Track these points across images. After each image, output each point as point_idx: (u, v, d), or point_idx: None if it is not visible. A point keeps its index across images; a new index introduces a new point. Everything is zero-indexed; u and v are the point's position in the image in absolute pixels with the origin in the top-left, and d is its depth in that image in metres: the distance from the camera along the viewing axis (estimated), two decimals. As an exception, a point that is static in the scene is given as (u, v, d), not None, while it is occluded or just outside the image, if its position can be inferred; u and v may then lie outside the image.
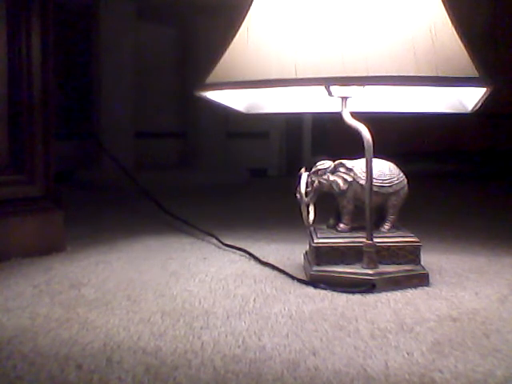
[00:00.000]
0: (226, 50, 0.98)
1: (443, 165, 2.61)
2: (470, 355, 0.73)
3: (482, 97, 0.94)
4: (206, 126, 2.86)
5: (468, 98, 1.04)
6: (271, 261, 1.18)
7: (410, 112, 1.12)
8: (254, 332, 0.80)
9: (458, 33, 0.89)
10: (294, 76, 0.90)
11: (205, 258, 1.23)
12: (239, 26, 0.98)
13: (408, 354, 0.74)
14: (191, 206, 1.90)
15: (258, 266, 1.16)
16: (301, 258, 1.18)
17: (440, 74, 0.85)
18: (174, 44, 2.94)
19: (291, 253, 1.27)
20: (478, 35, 2.38)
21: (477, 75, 0.88)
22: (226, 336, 0.79)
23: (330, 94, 0.99)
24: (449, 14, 0.91)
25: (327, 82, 0.95)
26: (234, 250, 1.29)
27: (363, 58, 0.88)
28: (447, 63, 0.86)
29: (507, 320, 0.85)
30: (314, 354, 0.73)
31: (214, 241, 1.38)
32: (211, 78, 0.98)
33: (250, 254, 1.23)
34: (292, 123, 3.16)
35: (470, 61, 0.89)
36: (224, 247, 1.32)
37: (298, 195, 1.07)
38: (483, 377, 0.67)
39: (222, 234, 1.40)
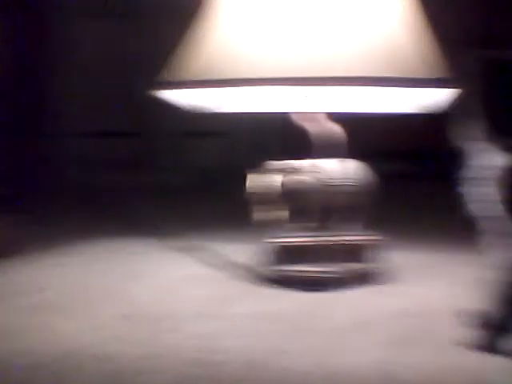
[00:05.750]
0: (186, 48, 0.98)
1: (410, 164, 2.67)
2: (427, 349, 0.75)
3: (448, 97, 0.97)
4: (161, 126, 2.83)
5: (432, 99, 1.06)
6: (226, 261, 1.19)
7: (376, 112, 1.14)
8: (218, 334, 0.81)
9: (420, 37, 0.92)
10: (258, 75, 0.91)
11: (162, 260, 1.22)
12: (201, 25, 0.97)
13: (368, 350, 0.75)
14: (147, 208, 1.87)
15: (214, 267, 1.16)
16: (258, 258, 1.18)
17: (405, 76, 0.87)
18: (130, 42, 2.90)
19: (248, 253, 1.27)
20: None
21: (443, 77, 0.91)
22: (189, 339, 0.79)
23: (291, 94, 1.00)
24: (411, 20, 0.94)
25: (290, 82, 0.95)
26: (192, 252, 1.28)
27: (328, 60, 0.89)
28: (410, 65, 0.89)
29: (456, 313, 0.88)
30: (278, 355, 0.74)
31: (172, 242, 1.37)
32: (172, 76, 0.98)
33: (204, 255, 1.23)
34: (249, 122, 3.16)
35: (433, 63, 0.92)
36: (182, 249, 1.31)
37: (251, 195, 1.08)
38: (441, 370, 0.69)
39: (179, 236, 1.39)
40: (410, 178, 2.54)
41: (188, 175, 2.73)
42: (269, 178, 1.07)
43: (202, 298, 0.96)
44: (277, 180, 1.07)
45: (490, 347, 0.74)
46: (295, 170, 1.07)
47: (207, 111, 1.16)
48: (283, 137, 3.06)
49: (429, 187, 2.02)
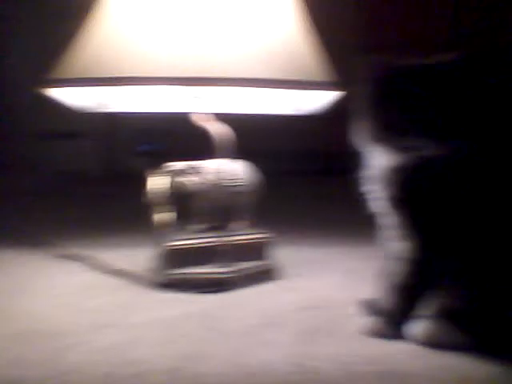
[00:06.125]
0: (72, 44, 0.91)
1: (296, 164, 2.75)
2: (336, 341, 0.78)
3: (331, 99, 1.01)
4: (13, 127, 2.62)
5: (313, 102, 1.10)
6: (118, 268, 1.13)
7: (261, 113, 1.15)
8: (124, 345, 0.76)
9: (309, 40, 0.95)
10: (148, 74, 0.88)
11: (50, 271, 1.13)
12: (89, 23, 0.92)
13: (281, 346, 0.76)
14: (11, 214, 1.72)
15: (107, 275, 1.10)
16: (149, 263, 1.14)
17: (294, 78, 0.89)
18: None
19: (137, 258, 1.22)
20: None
21: (328, 80, 0.95)
22: (94, 353, 0.74)
23: (184, 93, 0.98)
24: (301, 23, 0.96)
25: (180, 81, 0.93)
26: (76, 260, 1.20)
27: (220, 61, 0.89)
28: (300, 68, 0.91)
29: (354, 304, 0.93)
30: (193, 359, 0.72)
31: (51, 251, 1.27)
32: (57, 74, 0.91)
33: (94, 263, 1.16)
34: (108, 123, 3.05)
35: (321, 66, 0.95)
36: (64, 257, 1.22)
37: (148, 198, 1.04)
38: (354, 359, 0.72)
39: (55, 244, 1.30)
40: (304, 176, 2.63)
41: (47, 179, 2.56)
42: (162, 181, 1.04)
43: (101, 307, 0.91)
44: (167, 182, 1.05)
45: (388, 334, 0.79)
46: (184, 172, 1.05)
47: (92, 111, 1.10)
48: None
49: (328, 186, 2.09)
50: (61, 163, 2.86)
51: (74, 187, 2.68)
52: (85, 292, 0.99)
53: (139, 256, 1.22)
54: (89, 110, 1.10)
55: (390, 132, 0.75)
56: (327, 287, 1.03)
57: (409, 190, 0.77)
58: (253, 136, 2.48)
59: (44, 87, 0.93)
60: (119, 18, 0.93)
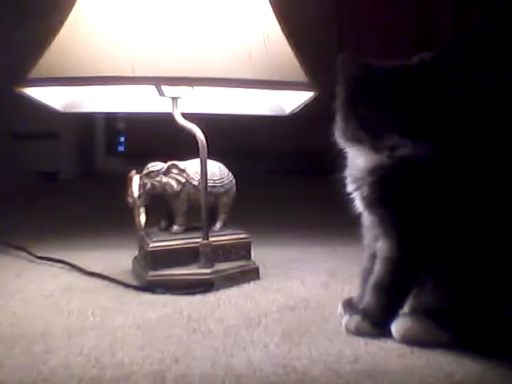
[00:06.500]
0: (49, 44, 0.90)
1: (280, 164, 2.75)
2: (319, 340, 0.78)
3: (306, 100, 1.01)
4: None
5: (288, 102, 1.10)
6: (97, 270, 1.11)
7: (234, 114, 1.15)
8: (105, 348, 0.75)
9: (288, 41, 0.95)
10: (125, 74, 0.86)
11: (19, 275, 1.11)
12: (65, 21, 0.90)
13: (265, 347, 0.76)
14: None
15: (85, 277, 1.09)
16: (128, 264, 1.13)
17: (274, 79, 0.89)
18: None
19: (116, 260, 1.21)
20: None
21: (306, 80, 0.95)
22: (75, 357, 0.73)
23: (161, 93, 0.97)
24: (280, 24, 0.96)
25: (159, 81, 0.93)
26: (52, 263, 1.18)
27: (198, 60, 0.88)
28: (279, 68, 0.91)
29: (336, 303, 0.93)
30: (177, 362, 0.71)
31: (25, 254, 1.24)
32: (33, 74, 0.89)
33: (72, 265, 1.14)
34: (83, 123, 3.01)
35: (300, 67, 0.95)
36: (39, 260, 1.20)
37: (129, 199, 1.03)
38: (336, 358, 0.73)
39: (32, 247, 1.27)
40: (288, 176, 2.62)
41: (22, 180, 2.52)
42: (142, 181, 1.03)
43: (82, 310, 0.89)
44: (148, 183, 1.04)
45: (371, 333, 0.79)
46: (165, 172, 1.05)
47: (68, 111, 1.08)
48: (125, 136, 2.98)
49: (311, 186, 2.09)
50: (36, 163, 2.82)
51: (50, 187, 2.65)
52: (66, 294, 0.97)
53: (120, 257, 1.21)
54: (65, 110, 1.09)
55: (365, 131, 0.75)
56: (309, 287, 1.03)
57: (386, 189, 0.77)
58: (236, 136, 2.48)
59: (20, 87, 0.91)
60: (96, 18, 0.92)
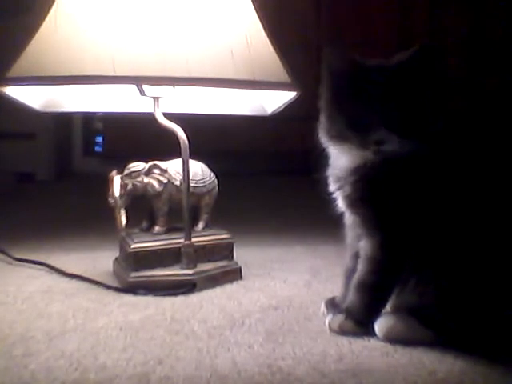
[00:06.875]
0: (28, 42, 0.88)
1: (264, 164, 2.75)
2: (303, 340, 0.78)
3: (288, 100, 1.01)
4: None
5: (270, 102, 1.10)
6: (76, 271, 1.09)
7: (216, 114, 1.14)
8: (87, 351, 0.74)
9: (270, 41, 0.95)
10: (105, 73, 0.85)
11: (5, 276, 1.08)
12: (45, 19, 0.89)
13: (249, 347, 0.76)
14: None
15: (64, 279, 1.07)
16: (108, 266, 1.12)
17: (256, 79, 0.89)
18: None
19: (95, 261, 1.19)
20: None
21: (289, 80, 0.95)
22: (57, 360, 0.71)
23: (142, 93, 0.96)
24: (262, 24, 0.96)
25: (141, 80, 0.92)
26: (31, 265, 1.16)
27: (181, 60, 0.87)
28: (261, 68, 0.91)
29: (319, 302, 0.93)
30: (160, 363, 0.71)
31: (3, 256, 1.22)
32: (11, 73, 0.88)
33: (51, 267, 1.13)
34: (60, 123, 2.97)
35: (282, 67, 0.95)
36: (17, 262, 1.18)
37: (110, 199, 1.02)
38: (320, 358, 0.73)
39: (9, 248, 1.24)
40: (271, 176, 2.62)
41: (5, 179, 2.47)
42: (134, 181, 1.03)
43: (63, 312, 0.88)
44: (129, 183, 1.03)
45: (355, 332, 0.79)
46: (147, 173, 1.04)
47: (46, 110, 1.07)
48: (103, 136, 2.95)
49: (295, 185, 2.08)
50: (13, 164, 2.77)
51: (27, 188, 2.61)
52: (45, 297, 0.96)
53: (100, 259, 1.19)
54: (44, 110, 1.07)
55: (351, 126, 0.75)
56: (292, 286, 1.03)
57: (368, 188, 0.78)
58: (218, 136, 2.48)
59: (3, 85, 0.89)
60: (76, 16, 0.91)
